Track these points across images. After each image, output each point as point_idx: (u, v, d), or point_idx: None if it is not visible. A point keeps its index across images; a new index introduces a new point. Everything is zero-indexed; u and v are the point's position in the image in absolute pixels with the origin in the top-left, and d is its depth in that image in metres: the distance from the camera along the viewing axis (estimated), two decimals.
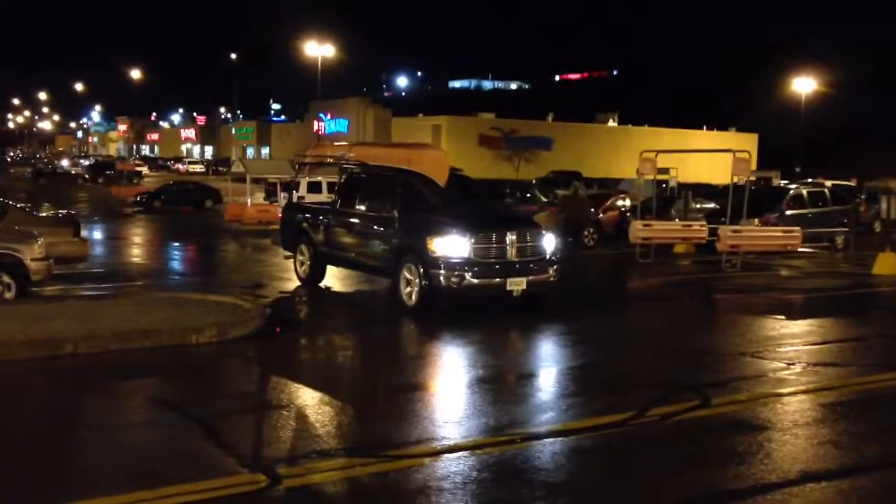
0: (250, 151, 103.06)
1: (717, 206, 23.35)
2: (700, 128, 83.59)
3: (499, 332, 10.88)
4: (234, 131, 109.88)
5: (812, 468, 5.94)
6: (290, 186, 20.78)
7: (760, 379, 8.49)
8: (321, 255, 13.86)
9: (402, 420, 6.94)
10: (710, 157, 55.24)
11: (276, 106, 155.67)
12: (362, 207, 12.94)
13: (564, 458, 6.12)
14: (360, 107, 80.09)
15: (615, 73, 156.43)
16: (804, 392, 7.97)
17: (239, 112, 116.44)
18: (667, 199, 24.44)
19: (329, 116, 79.29)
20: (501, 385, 8.36)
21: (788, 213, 21.73)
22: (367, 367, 9.26)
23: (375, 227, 12.56)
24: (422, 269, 11.29)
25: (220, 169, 70.28)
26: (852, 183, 43.86)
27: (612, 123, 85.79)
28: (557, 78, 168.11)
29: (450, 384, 8.50)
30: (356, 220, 13.09)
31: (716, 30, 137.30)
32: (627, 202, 24.84)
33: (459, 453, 6.05)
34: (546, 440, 6.42)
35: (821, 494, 5.49)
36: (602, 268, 19.87)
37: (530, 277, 11.52)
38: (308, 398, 7.59)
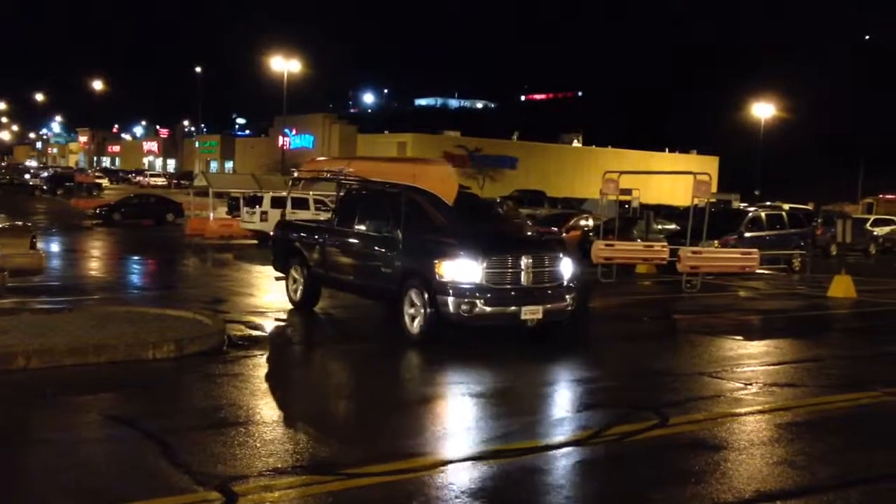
0: (214, 165, 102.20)
1: (678, 228, 23.69)
2: (663, 150, 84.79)
3: (461, 352, 10.85)
4: (197, 145, 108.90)
5: (767, 488, 6.00)
6: (282, 203, 19.36)
7: (718, 399, 8.58)
8: (316, 277, 13.05)
9: (361, 438, 6.89)
10: (672, 178, 56.13)
11: (240, 120, 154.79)
12: (362, 227, 12.10)
13: (517, 478, 6.11)
14: (325, 122, 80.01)
15: (580, 94, 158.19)
16: (760, 412, 8.07)
17: (203, 126, 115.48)
18: (629, 219, 24.74)
19: (294, 132, 79.01)
20: (457, 405, 8.33)
21: (747, 235, 22.12)
22: (329, 384, 9.18)
23: (376, 249, 11.69)
24: (428, 295, 10.45)
25: (183, 182, 69.53)
26: (809, 206, 44.78)
27: (576, 144, 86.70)
28: (523, 98, 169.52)
29: (410, 402, 8.45)
30: (355, 241, 12.26)
31: (679, 53, 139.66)
32: (591, 222, 25.08)
33: (417, 473, 6.01)
34: (501, 460, 6.40)
35: None
36: None
37: (547, 305, 10.67)
38: (266, 415, 7.50)
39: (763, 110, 63.00)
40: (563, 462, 6.46)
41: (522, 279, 10.62)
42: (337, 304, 13.91)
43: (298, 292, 13.38)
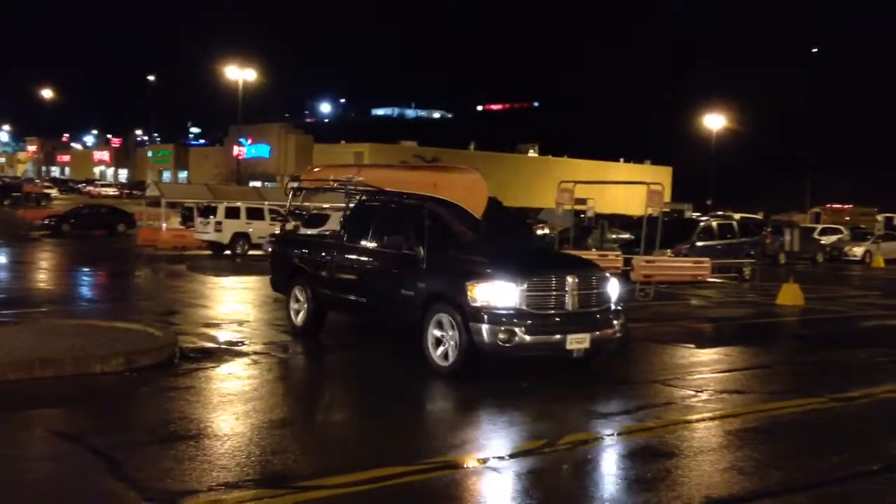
0: (167, 175, 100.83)
1: (632, 237, 24.00)
2: (618, 160, 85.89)
3: (398, 363, 10.82)
4: (150, 154, 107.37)
5: (716, 493, 6.08)
6: (284, 216, 16.76)
7: (669, 406, 8.69)
8: (322, 299, 11.77)
9: (315, 451, 6.82)
10: (627, 188, 56.85)
11: (195, 130, 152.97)
12: (376, 243, 10.92)
13: (469, 487, 6.11)
14: (281, 132, 79.56)
15: (536, 104, 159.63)
16: (711, 419, 8.19)
17: (156, 135, 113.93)
18: (584, 228, 24.99)
19: (250, 141, 78.34)
20: (413, 415, 8.31)
21: (699, 244, 22.49)
22: (285, 397, 9.08)
23: (394, 268, 10.42)
24: (459, 322, 9.18)
25: (135, 192, 68.51)
26: (759, 216, 45.71)
27: (532, 154, 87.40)
28: (480, 108, 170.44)
29: (357, 415, 8.42)
30: (369, 258, 11.03)
31: (634, 65, 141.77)
32: (546, 231, 25.25)
33: (369, 485, 5.98)
34: (456, 471, 6.40)
35: None
36: None
37: (595, 332, 9.42)
38: (219, 429, 7.39)
39: (715, 122, 64.25)
40: (513, 470, 6.48)
41: (567, 303, 9.37)
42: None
43: (301, 315, 12.10)
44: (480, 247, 10.17)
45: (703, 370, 10.77)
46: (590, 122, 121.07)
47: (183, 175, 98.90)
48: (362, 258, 11.15)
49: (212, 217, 28.47)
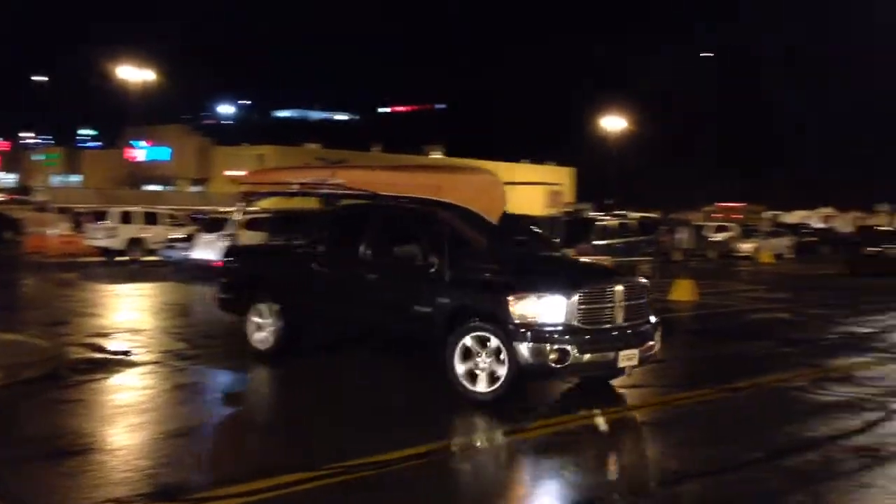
0: (57, 179, 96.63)
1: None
2: (520, 161, 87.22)
3: (305, 369, 10.68)
4: (41, 157, 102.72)
5: (614, 485, 6.22)
6: (228, 224, 14.03)
7: (569, 402, 8.83)
8: (299, 316, 10.57)
9: (210, 462, 6.63)
10: (532, 188, 57.82)
11: (89, 132, 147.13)
12: (371, 253, 9.63)
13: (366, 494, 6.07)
14: (179, 134, 77.39)
15: (443, 106, 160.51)
16: (608, 413, 8.37)
17: (47, 137, 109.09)
18: None
19: (149, 143, 75.91)
20: (316, 422, 8.21)
21: (597, 243, 23.02)
22: (176, 408, 8.80)
23: (403, 282, 9.25)
24: (502, 340, 8.19)
25: (22, 198, 65.36)
26: (656, 215, 47.20)
27: (438, 155, 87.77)
28: (386, 110, 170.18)
29: (257, 424, 8.24)
30: (364, 272, 9.64)
31: (541, 67, 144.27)
32: None
33: (265, 494, 5.85)
34: (355, 475, 6.34)
35: None
36: None
37: (642, 347, 8.69)
38: (109, 442, 7.09)
39: (615, 123, 66.11)
40: (397, 472, 6.45)
41: (617, 316, 8.52)
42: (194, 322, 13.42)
43: (269, 339, 10.62)
44: (505, 256, 9.20)
45: None
46: (496, 123, 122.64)
47: (75, 178, 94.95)
48: (356, 271, 9.72)
49: (105, 222, 27.42)
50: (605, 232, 24.00)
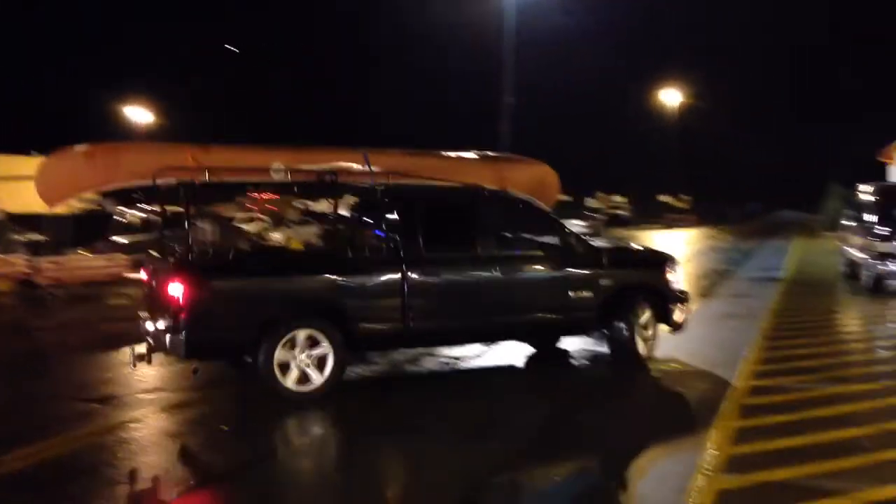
0: None
1: (47, 238, 21.97)
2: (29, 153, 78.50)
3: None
4: None
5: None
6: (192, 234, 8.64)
7: (87, 419, 7.84)
8: (372, 338, 8.60)
9: None
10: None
11: None
12: (491, 248, 9.22)
13: None
14: None
15: None
16: (124, 423, 7.61)
17: None
18: None
19: None
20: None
21: (117, 239, 21.57)
22: None
23: (543, 270, 9.52)
24: (655, 307, 9.90)
25: None
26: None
27: None
28: None
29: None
30: (480, 271, 9.07)
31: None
32: None
33: None
34: None
35: None
36: None
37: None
38: None
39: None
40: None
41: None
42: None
43: (316, 372, 8.16)
44: (583, 238, 10.19)
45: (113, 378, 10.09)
46: None
47: None
48: (475, 272, 9.06)
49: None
50: (128, 228, 22.58)
